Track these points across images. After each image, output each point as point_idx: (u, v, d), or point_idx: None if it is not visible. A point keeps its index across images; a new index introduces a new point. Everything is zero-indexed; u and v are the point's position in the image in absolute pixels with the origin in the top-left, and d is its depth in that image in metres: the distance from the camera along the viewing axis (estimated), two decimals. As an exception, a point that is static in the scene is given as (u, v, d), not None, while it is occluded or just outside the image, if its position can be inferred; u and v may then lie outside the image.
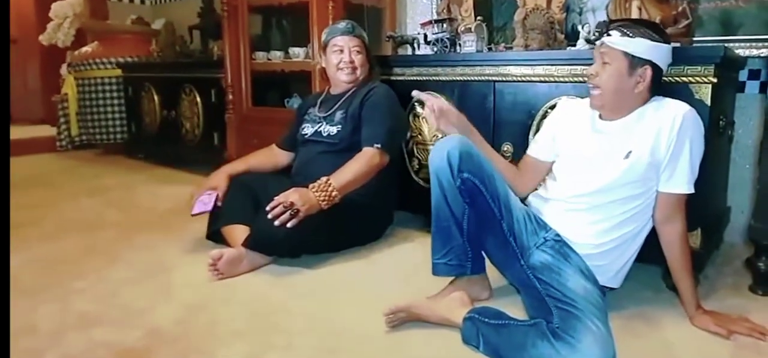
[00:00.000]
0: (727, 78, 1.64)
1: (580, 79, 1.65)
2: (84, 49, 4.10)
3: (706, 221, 1.55)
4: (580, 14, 2.14)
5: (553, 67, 1.74)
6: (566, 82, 1.71)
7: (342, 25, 2.02)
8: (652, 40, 1.25)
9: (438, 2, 2.44)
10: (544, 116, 1.75)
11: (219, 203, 1.91)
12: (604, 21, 1.33)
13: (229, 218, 1.86)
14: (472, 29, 2.06)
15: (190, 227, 2.05)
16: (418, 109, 1.42)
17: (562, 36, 1.99)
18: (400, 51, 2.43)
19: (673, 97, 1.32)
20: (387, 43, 2.54)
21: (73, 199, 2.78)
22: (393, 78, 2.18)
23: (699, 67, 1.45)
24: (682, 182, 1.27)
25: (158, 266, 1.79)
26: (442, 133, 1.49)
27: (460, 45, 2.12)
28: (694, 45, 1.69)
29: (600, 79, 1.30)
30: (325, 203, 1.73)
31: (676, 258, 1.33)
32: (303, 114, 2.12)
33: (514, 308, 1.40)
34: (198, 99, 3.31)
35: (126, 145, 4.08)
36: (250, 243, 1.70)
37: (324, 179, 1.76)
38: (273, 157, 2.15)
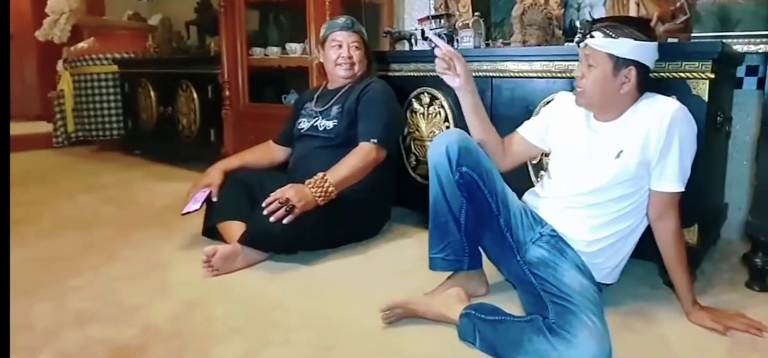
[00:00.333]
0: (725, 74, 1.63)
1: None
2: (80, 45, 4.09)
3: (703, 217, 1.55)
4: (578, 10, 2.13)
5: (551, 63, 1.73)
6: (563, 77, 1.71)
7: (341, 20, 2.01)
8: (636, 39, 1.23)
9: (436, -2, 2.43)
10: (541, 112, 1.74)
11: (214, 199, 1.90)
12: (587, 21, 1.31)
13: (225, 214, 1.85)
14: (470, 25, 2.06)
15: (186, 223, 2.04)
16: (436, 51, 1.42)
17: (560, 32, 1.99)
18: (398, 47, 2.43)
19: (670, 93, 1.32)
20: (384, 39, 2.53)
21: (69, 196, 2.77)
22: (390, 74, 2.18)
23: (696, 63, 1.44)
24: (672, 180, 1.26)
25: (154, 263, 1.79)
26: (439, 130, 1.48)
27: (457, 41, 2.11)
28: (692, 41, 1.68)
29: (585, 81, 1.29)
30: (321, 198, 1.72)
31: (671, 255, 1.33)
32: (300, 109, 2.12)
33: (511, 304, 1.40)
34: (195, 95, 3.30)
35: (123, 141, 4.08)
36: (246, 239, 1.70)
37: (320, 174, 1.76)
38: (269, 152, 2.14)
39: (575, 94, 1.35)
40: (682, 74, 1.47)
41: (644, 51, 1.25)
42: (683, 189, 1.27)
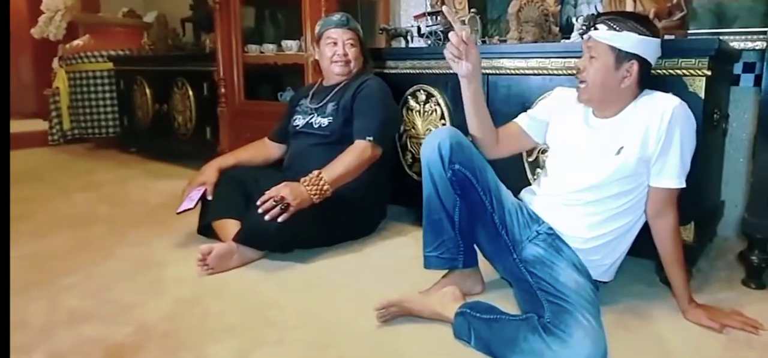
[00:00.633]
0: (722, 71, 1.63)
1: (574, 72, 1.63)
2: (75, 42, 4.07)
3: (699, 214, 1.55)
4: (575, 6, 2.12)
5: (547, 60, 1.73)
6: (560, 75, 1.70)
7: (336, 17, 2.00)
8: (640, 33, 1.23)
9: (432, -6, 2.42)
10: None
11: (209, 197, 1.89)
12: (591, 14, 1.31)
13: (220, 212, 1.84)
14: (466, 22, 2.05)
15: (181, 221, 2.03)
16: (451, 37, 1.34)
17: (557, 28, 1.98)
18: (394, 44, 2.41)
19: (666, 90, 1.31)
20: (380, 36, 2.52)
21: (65, 194, 2.76)
22: (386, 71, 2.17)
23: (693, 60, 1.43)
24: (672, 176, 1.26)
25: (149, 262, 1.78)
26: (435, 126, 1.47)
27: (453, 37, 2.10)
28: (689, 38, 1.68)
29: (587, 73, 1.29)
30: (316, 196, 1.71)
31: (669, 252, 1.33)
32: (295, 106, 2.11)
33: (507, 302, 1.40)
34: (190, 92, 3.29)
35: (118, 139, 4.06)
36: (241, 238, 1.69)
37: (315, 172, 1.75)
38: (265, 150, 2.13)
39: (577, 89, 1.34)
40: (678, 71, 1.46)
41: (647, 46, 1.24)
42: (683, 185, 1.27)
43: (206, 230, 1.91)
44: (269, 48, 2.67)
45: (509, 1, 2.02)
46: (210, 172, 1.94)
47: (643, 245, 1.37)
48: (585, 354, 1.05)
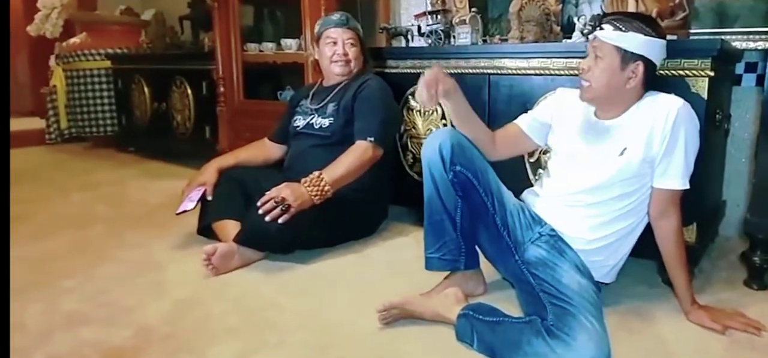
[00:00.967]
0: (724, 71, 1.63)
1: (576, 72, 1.62)
2: (72, 40, 4.04)
3: (701, 215, 1.55)
4: (576, 6, 2.11)
5: (549, 60, 1.72)
6: (562, 75, 1.69)
7: (336, 16, 1.99)
8: (646, 34, 1.22)
9: (432, -7, 2.41)
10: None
11: (208, 198, 1.88)
12: (597, 14, 1.30)
13: (220, 213, 1.83)
14: (467, 21, 2.04)
15: (180, 222, 2.02)
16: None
17: (558, 28, 1.97)
18: (394, 43, 2.40)
19: (669, 91, 1.31)
20: (380, 35, 2.51)
21: (63, 193, 2.75)
22: (387, 70, 2.16)
23: (696, 61, 1.43)
24: (676, 177, 1.25)
25: (148, 263, 1.77)
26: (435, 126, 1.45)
27: (454, 37, 2.09)
28: (691, 38, 1.67)
29: (592, 73, 1.28)
30: (317, 197, 1.70)
31: (671, 253, 1.32)
32: (295, 106, 2.10)
33: (509, 304, 1.39)
34: (189, 91, 3.27)
35: (116, 138, 4.04)
36: (241, 239, 1.68)
37: (316, 173, 1.74)
38: (265, 150, 2.12)
39: (580, 87, 1.33)
40: (681, 72, 1.46)
41: (653, 47, 1.24)
42: (687, 187, 1.26)
43: (206, 231, 1.90)
44: (268, 47, 2.65)
45: (510, 0, 2.01)
46: (210, 172, 1.93)
47: (644, 246, 1.37)
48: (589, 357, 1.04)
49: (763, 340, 1.25)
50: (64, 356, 1.23)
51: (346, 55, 1.96)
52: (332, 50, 1.96)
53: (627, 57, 1.24)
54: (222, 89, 2.78)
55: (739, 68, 1.88)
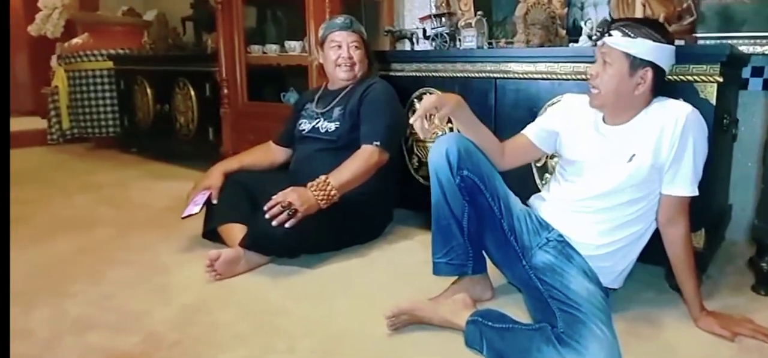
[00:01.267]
0: (732, 76, 1.62)
1: (583, 76, 1.62)
2: (74, 40, 4.03)
3: (709, 221, 1.54)
4: (581, 9, 2.11)
5: (556, 65, 1.71)
6: (568, 79, 1.69)
7: (340, 20, 1.98)
8: (655, 40, 1.22)
9: (437, -4, 2.40)
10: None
11: (214, 202, 1.87)
12: (606, 20, 1.30)
13: (226, 216, 1.83)
14: (472, 24, 2.03)
15: (185, 225, 2.01)
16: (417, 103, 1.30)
17: (564, 31, 1.97)
18: (399, 46, 2.40)
19: (677, 96, 1.30)
20: (385, 38, 2.50)
21: (65, 195, 2.74)
22: (392, 74, 2.15)
23: (704, 66, 1.43)
24: (685, 184, 1.25)
25: (154, 267, 1.76)
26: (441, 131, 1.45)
27: (459, 40, 2.09)
28: (700, 44, 1.67)
29: (600, 79, 1.28)
30: (323, 202, 1.70)
31: (680, 259, 1.32)
32: (300, 109, 2.09)
33: (517, 309, 1.39)
34: (192, 93, 3.26)
35: (118, 139, 4.03)
36: (247, 243, 1.68)
37: (322, 177, 1.73)
38: (270, 154, 2.11)
39: (589, 94, 1.33)
40: (689, 77, 1.45)
41: (661, 53, 1.23)
42: (696, 193, 1.26)
43: (211, 235, 1.89)
44: (272, 48, 2.65)
45: (514, 3, 2.00)
46: (215, 176, 1.92)
47: (652, 251, 1.37)
48: (600, 366, 1.04)
49: (772, 347, 1.25)
50: (71, 363, 1.22)
51: (350, 58, 1.95)
52: (337, 54, 1.96)
53: (636, 63, 1.23)
54: (226, 91, 2.77)
55: (746, 72, 1.88)
